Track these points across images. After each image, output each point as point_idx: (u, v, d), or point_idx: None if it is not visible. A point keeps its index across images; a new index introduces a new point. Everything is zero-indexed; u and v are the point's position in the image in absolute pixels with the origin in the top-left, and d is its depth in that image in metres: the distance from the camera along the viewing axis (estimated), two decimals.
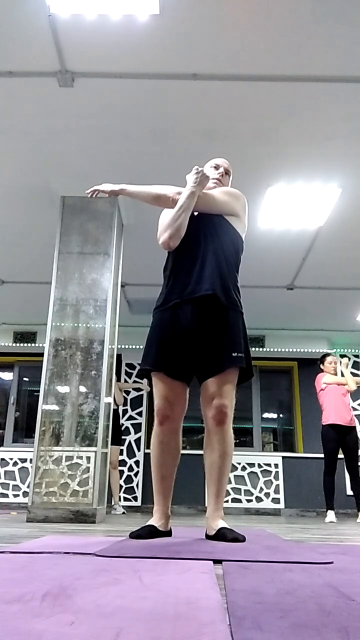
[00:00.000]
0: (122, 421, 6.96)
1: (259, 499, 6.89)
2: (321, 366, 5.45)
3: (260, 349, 7.53)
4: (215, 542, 1.96)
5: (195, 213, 2.30)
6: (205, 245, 2.24)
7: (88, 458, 3.58)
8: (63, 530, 2.66)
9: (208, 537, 2.07)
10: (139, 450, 7.12)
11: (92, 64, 3.16)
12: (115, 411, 5.52)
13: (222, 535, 1.99)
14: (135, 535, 2.02)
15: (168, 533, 2.18)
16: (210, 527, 2.07)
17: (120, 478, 6.79)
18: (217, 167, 2.52)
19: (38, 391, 3.78)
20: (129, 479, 6.96)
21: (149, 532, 2.05)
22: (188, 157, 3.74)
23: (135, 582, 1.02)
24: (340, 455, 5.07)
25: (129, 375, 7.37)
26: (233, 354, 2.11)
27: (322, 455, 5.17)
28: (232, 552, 1.58)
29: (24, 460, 6.91)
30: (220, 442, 2.11)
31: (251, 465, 7.01)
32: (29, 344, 7.51)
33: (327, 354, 5.55)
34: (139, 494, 6.88)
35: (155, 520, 2.14)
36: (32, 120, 3.60)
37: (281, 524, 4.12)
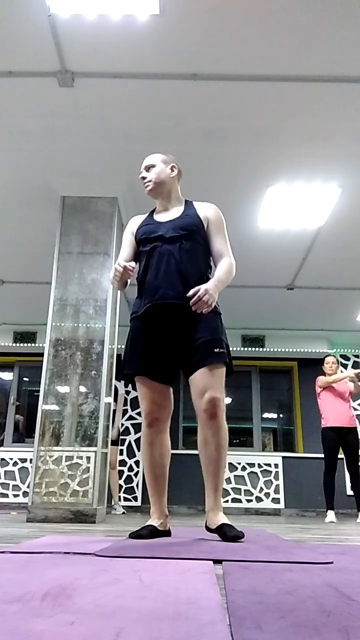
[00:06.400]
0: (122, 421, 6.96)
1: (259, 499, 6.89)
2: (322, 367, 5.44)
3: (260, 349, 7.53)
4: (215, 542, 1.96)
5: (166, 220, 2.29)
6: (177, 251, 2.21)
7: (88, 458, 3.58)
8: (63, 530, 2.66)
9: (208, 529, 2.09)
10: (138, 450, 7.11)
11: (92, 64, 3.16)
12: (114, 412, 5.51)
13: (223, 533, 2.00)
14: (135, 535, 2.03)
15: (167, 533, 2.20)
16: (211, 521, 2.09)
17: (120, 478, 6.79)
18: (145, 170, 2.39)
19: (38, 391, 3.78)
20: (129, 479, 6.96)
21: (150, 532, 2.07)
22: (188, 157, 3.75)
23: (135, 582, 1.02)
24: (341, 455, 5.07)
25: None
26: (215, 350, 2.13)
27: (322, 456, 5.17)
28: (232, 552, 1.58)
29: (24, 460, 6.91)
30: (214, 436, 2.12)
31: (251, 465, 7.01)
32: (29, 344, 7.51)
33: (328, 355, 5.53)
34: (139, 494, 6.88)
35: (154, 520, 2.16)
36: (32, 120, 3.60)
37: (281, 524, 4.12)
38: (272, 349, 7.55)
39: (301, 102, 3.37)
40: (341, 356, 7.61)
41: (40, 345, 7.08)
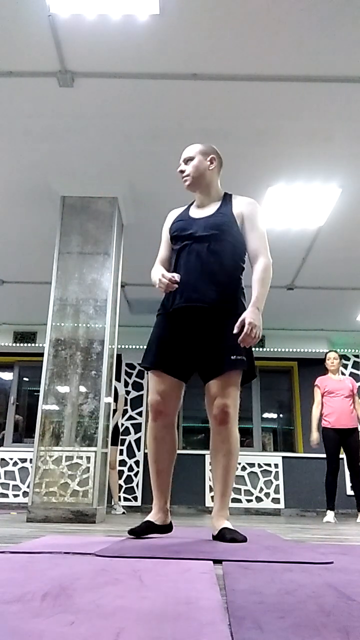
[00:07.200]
0: (121, 421, 6.96)
1: (259, 499, 6.89)
2: (325, 364, 5.44)
3: (260, 349, 7.52)
4: (216, 542, 1.97)
5: (200, 217, 2.29)
6: (206, 252, 2.21)
7: (88, 458, 3.58)
8: (63, 530, 2.66)
9: (213, 537, 2.09)
10: (138, 450, 7.12)
11: (92, 64, 3.16)
12: (114, 412, 5.51)
13: (222, 535, 2.00)
14: (132, 531, 2.04)
15: (167, 527, 2.19)
16: (214, 527, 2.09)
17: (120, 478, 6.78)
18: (184, 162, 2.38)
19: (38, 391, 3.78)
20: (129, 479, 6.96)
21: (146, 528, 2.08)
22: None
23: (135, 582, 1.02)
24: (342, 455, 5.06)
25: (129, 375, 7.37)
26: (232, 357, 2.12)
27: (322, 455, 5.17)
28: (232, 552, 1.58)
29: (24, 460, 6.91)
30: (224, 442, 2.13)
31: (251, 465, 7.01)
32: (29, 344, 7.51)
33: (330, 351, 5.53)
34: (139, 494, 6.88)
35: (152, 516, 2.17)
36: (32, 120, 3.60)
37: (281, 524, 4.12)
38: (272, 349, 7.55)
39: (301, 102, 3.37)
40: (341, 356, 7.60)
41: (40, 345, 7.07)
